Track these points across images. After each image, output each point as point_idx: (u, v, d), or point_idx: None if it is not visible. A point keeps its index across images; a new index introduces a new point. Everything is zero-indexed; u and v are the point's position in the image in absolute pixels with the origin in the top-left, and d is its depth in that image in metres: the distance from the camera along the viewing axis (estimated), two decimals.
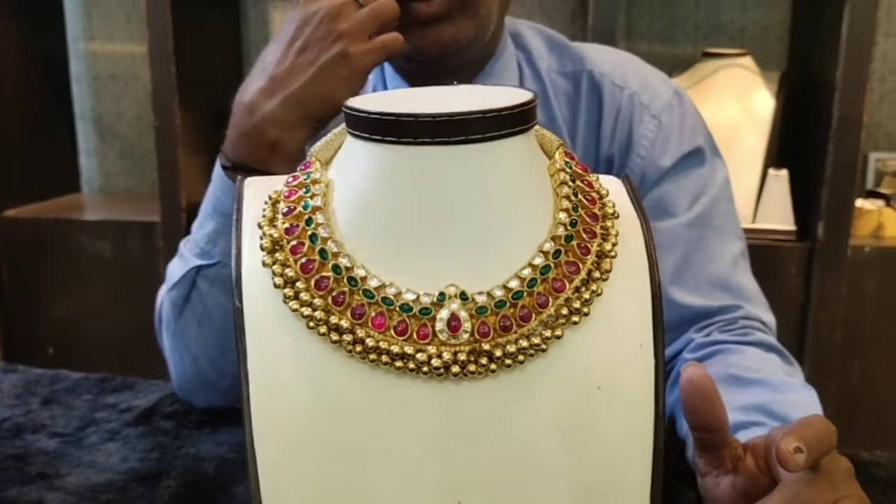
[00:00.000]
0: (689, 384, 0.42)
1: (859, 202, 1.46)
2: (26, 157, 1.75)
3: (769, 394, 0.61)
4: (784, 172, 1.43)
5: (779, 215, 1.43)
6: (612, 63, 0.78)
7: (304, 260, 0.34)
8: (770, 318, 0.75)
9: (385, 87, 0.77)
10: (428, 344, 0.33)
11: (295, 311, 0.34)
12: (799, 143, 1.54)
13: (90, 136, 1.92)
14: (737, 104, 1.49)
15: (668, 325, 0.72)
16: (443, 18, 0.66)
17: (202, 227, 0.69)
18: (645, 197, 0.75)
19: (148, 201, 1.72)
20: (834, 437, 0.44)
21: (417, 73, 0.74)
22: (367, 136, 0.35)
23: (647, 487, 0.35)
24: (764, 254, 1.38)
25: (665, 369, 0.36)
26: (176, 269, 0.70)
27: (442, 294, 0.33)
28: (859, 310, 1.42)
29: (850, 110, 1.34)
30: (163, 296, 0.73)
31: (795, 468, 0.40)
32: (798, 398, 0.62)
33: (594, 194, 0.38)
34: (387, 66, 0.77)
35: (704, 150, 0.76)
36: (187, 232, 0.72)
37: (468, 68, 0.74)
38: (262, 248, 0.35)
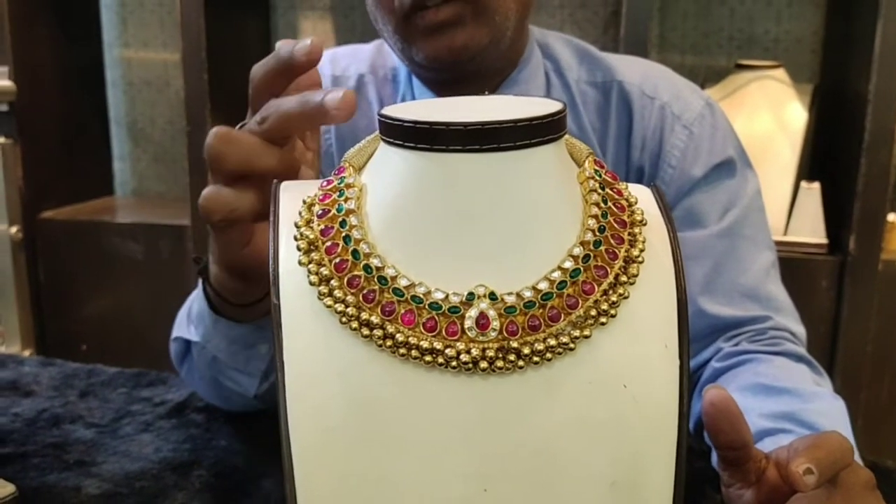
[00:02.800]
0: (712, 407, 0.43)
1: (891, 216, 1.44)
2: (62, 160, 1.79)
3: (797, 402, 0.61)
4: (816, 185, 1.42)
5: (811, 228, 1.42)
6: (642, 73, 0.78)
7: (338, 259, 0.35)
8: (800, 329, 0.75)
9: (413, 97, 0.78)
10: (457, 340, 0.34)
11: (329, 307, 0.35)
12: (831, 156, 1.53)
13: (124, 141, 1.97)
14: (769, 116, 1.49)
15: (698, 333, 0.73)
16: (454, 24, 0.65)
17: (192, 308, 0.66)
18: (675, 207, 0.75)
19: (179, 205, 1.75)
20: (849, 454, 0.44)
21: (438, 81, 0.74)
22: (400, 143, 0.36)
23: (671, 484, 0.36)
24: (795, 267, 1.37)
25: (689, 371, 0.37)
26: (181, 321, 0.69)
27: (471, 294, 0.34)
28: (890, 323, 1.41)
29: (882, 124, 1.33)
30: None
31: (805, 489, 0.41)
32: (826, 407, 0.62)
33: (623, 202, 0.38)
34: (414, 78, 0.78)
35: (735, 161, 0.76)
36: None
37: (491, 76, 0.74)
38: (299, 249, 0.36)
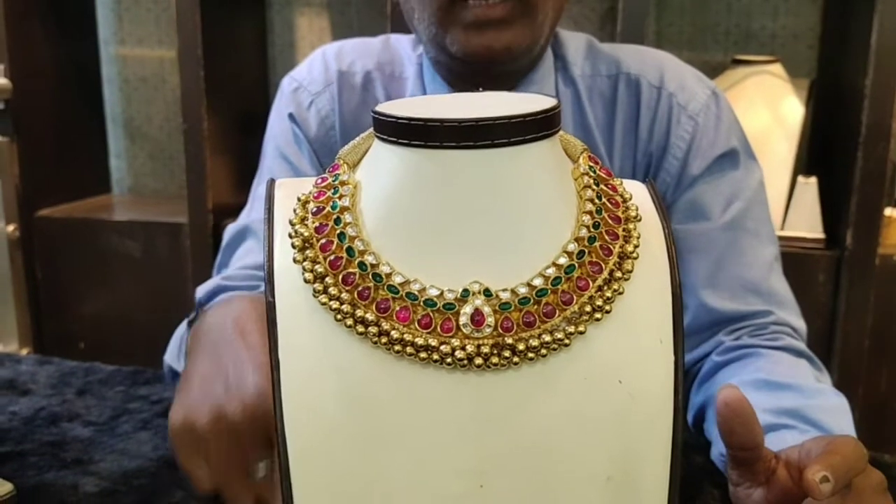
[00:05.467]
0: (726, 408, 0.43)
1: (888, 211, 1.44)
2: (59, 158, 1.79)
3: (800, 399, 0.61)
4: (813, 180, 1.42)
5: (808, 223, 1.42)
6: (649, 63, 0.78)
7: (332, 257, 0.35)
8: (801, 323, 0.75)
9: (425, 93, 0.77)
10: (452, 337, 0.34)
11: (324, 304, 0.35)
12: (828, 150, 1.53)
13: (120, 139, 1.96)
14: (766, 111, 1.49)
15: (699, 326, 0.73)
16: (501, 23, 0.64)
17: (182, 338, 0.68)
18: (679, 199, 0.75)
19: (176, 202, 1.75)
20: (864, 460, 0.44)
21: (460, 74, 0.73)
22: (394, 139, 0.36)
23: (666, 478, 0.36)
24: (793, 261, 1.36)
25: (684, 366, 0.37)
26: (173, 347, 0.71)
27: (466, 290, 0.34)
28: (888, 318, 1.41)
29: (879, 118, 1.33)
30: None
31: (821, 497, 0.41)
32: (829, 404, 0.62)
33: (618, 198, 0.38)
34: (426, 70, 0.77)
35: (739, 152, 0.76)
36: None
37: (513, 76, 0.74)
38: (294, 246, 0.36)
